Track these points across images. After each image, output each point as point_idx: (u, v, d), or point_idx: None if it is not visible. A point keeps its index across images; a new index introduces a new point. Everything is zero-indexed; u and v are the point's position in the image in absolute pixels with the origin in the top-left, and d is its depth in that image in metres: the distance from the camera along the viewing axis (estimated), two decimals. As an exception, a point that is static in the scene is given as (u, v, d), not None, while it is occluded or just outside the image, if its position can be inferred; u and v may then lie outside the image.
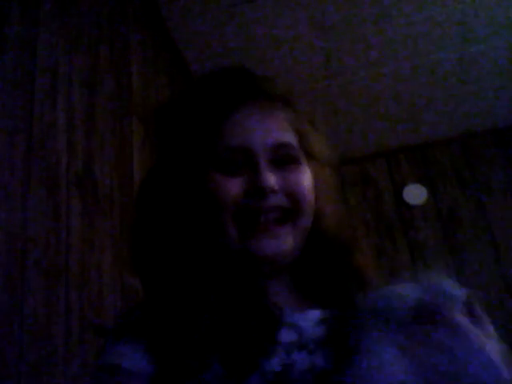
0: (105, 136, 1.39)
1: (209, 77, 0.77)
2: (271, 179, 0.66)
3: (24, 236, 0.98)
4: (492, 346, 0.52)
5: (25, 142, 1.04)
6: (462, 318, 0.54)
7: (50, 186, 1.09)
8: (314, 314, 0.64)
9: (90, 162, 1.28)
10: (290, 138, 0.71)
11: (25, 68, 1.09)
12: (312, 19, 2.27)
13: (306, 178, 0.70)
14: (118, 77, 1.56)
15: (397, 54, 2.53)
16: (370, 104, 2.87)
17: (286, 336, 0.60)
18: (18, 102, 1.04)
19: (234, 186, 0.66)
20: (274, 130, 0.70)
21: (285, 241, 0.66)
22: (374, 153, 3.27)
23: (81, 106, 1.29)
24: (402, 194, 3.12)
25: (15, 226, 0.96)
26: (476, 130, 3.16)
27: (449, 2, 2.25)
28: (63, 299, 1.06)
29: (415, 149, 3.24)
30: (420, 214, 3.08)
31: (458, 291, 0.57)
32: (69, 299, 1.07)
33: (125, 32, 1.70)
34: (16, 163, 1.00)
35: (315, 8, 2.21)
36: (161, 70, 2.01)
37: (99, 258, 1.24)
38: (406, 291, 0.58)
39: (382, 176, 3.24)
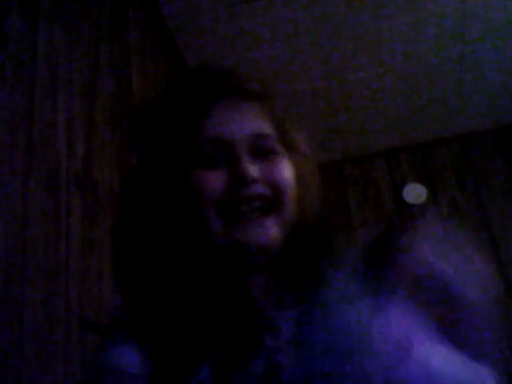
0: (105, 136, 1.39)
1: (185, 77, 0.78)
2: (252, 169, 0.67)
3: (24, 236, 0.98)
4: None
5: (25, 141, 1.04)
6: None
7: (50, 186, 1.09)
8: (292, 314, 0.65)
9: (89, 162, 1.28)
10: (268, 129, 0.72)
11: (25, 68, 1.09)
12: (312, 19, 2.27)
13: (286, 168, 0.71)
14: (118, 77, 1.56)
15: (396, 54, 2.53)
16: (370, 103, 2.87)
17: (270, 337, 0.61)
18: (17, 102, 1.04)
19: (215, 179, 0.67)
20: (251, 122, 0.71)
21: (270, 230, 0.67)
22: (374, 152, 3.27)
23: (81, 105, 1.29)
24: (402, 194, 3.12)
25: (15, 226, 0.96)
26: (476, 129, 3.16)
27: (449, 1, 2.26)
28: (63, 299, 1.06)
29: (415, 148, 3.24)
30: (420, 214, 3.08)
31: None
32: (69, 299, 1.08)
33: (125, 32, 1.70)
34: (16, 163, 1.00)
35: (315, 7, 2.21)
36: (161, 70, 2.01)
37: (99, 257, 1.24)
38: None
39: (382, 176, 3.24)
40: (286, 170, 0.71)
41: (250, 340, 0.59)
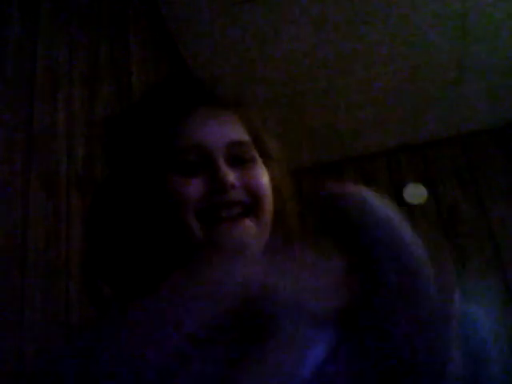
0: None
1: (158, 86, 0.79)
2: (230, 175, 0.68)
3: (24, 236, 0.98)
4: None
5: (25, 142, 1.04)
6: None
7: (50, 186, 1.10)
8: None
9: (90, 163, 1.28)
10: (244, 137, 0.73)
11: (25, 68, 1.09)
12: (312, 19, 2.27)
13: (262, 174, 0.72)
14: (117, 77, 1.56)
15: (396, 54, 2.53)
16: (370, 103, 2.87)
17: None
18: (18, 102, 1.05)
19: (193, 186, 0.67)
20: (227, 129, 0.72)
21: (248, 232, 0.68)
22: (374, 153, 3.27)
23: (81, 106, 1.29)
24: (403, 194, 3.13)
25: (15, 226, 0.96)
26: (476, 129, 3.17)
27: (449, 1, 2.26)
28: (63, 299, 1.06)
29: (415, 148, 3.24)
30: (420, 214, 3.09)
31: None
32: (69, 299, 1.08)
33: (125, 32, 1.70)
34: (16, 163, 1.00)
35: (315, 7, 2.21)
36: (161, 70, 2.01)
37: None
38: None
39: (382, 176, 3.24)
40: (263, 176, 0.72)
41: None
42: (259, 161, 0.73)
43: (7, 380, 0.86)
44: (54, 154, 1.14)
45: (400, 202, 3.12)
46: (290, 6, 2.19)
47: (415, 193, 3.12)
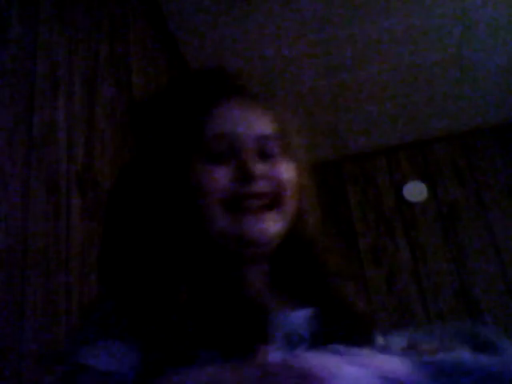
0: (105, 135, 1.40)
1: (191, 75, 0.80)
2: (258, 167, 0.69)
3: (24, 235, 0.98)
4: None
5: (25, 141, 1.04)
6: None
7: (51, 186, 1.10)
8: (303, 313, 0.68)
9: (90, 162, 1.28)
10: (272, 130, 0.74)
11: (25, 68, 1.09)
12: (311, 17, 2.27)
13: (288, 169, 0.73)
14: (117, 76, 1.57)
15: (396, 52, 2.53)
16: (370, 102, 2.87)
17: (277, 333, 0.62)
18: (18, 102, 1.05)
19: (221, 174, 0.68)
20: (258, 122, 0.73)
21: (270, 224, 0.69)
22: (374, 151, 3.27)
23: (81, 105, 1.29)
24: (403, 192, 3.13)
25: (15, 226, 0.97)
26: (476, 127, 3.17)
27: (448, 2, 2.26)
28: (63, 298, 1.06)
29: (415, 146, 3.24)
30: (420, 212, 3.09)
31: None
32: (69, 299, 1.08)
33: (125, 32, 1.70)
34: (16, 163, 1.00)
35: (315, 7, 2.21)
36: (161, 70, 2.01)
37: (99, 256, 1.24)
38: None
39: (382, 174, 3.25)
40: (289, 171, 0.73)
41: (255, 334, 0.60)
42: (286, 156, 0.74)
43: (8, 380, 0.86)
44: (54, 154, 1.14)
45: (400, 200, 3.13)
46: (290, 5, 2.19)
47: (415, 191, 3.12)
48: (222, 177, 0.68)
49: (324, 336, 0.65)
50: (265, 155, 0.71)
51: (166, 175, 0.70)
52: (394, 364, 0.46)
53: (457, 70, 2.69)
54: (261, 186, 0.69)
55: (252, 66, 2.47)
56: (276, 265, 0.75)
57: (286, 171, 0.72)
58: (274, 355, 0.56)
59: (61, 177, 1.14)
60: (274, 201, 0.70)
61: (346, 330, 0.67)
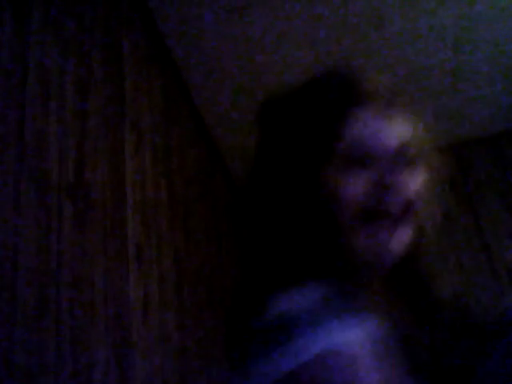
0: (97, 143, 1.39)
1: (325, 78, 0.76)
2: (395, 179, 0.67)
3: (15, 243, 0.97)
4: None
5: (16, 148, 1.03)
6: None
7: (42, 193, 1.09)
8: None
9: (82, 169, 1.28)
10: (409, 138, 0.72)
11: (16, 74, 1.09)
12: (311, 20, 2.28)
13: (421, 180, 0.71)
14: (110, 83, 1.56)
15: (389, 61, 2.54)
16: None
17: None
18: (9, 109, 1.04)
19: (357, 184, 0.66)
20: (395, 130, 0.71)
21: (404, 241, 0.68)
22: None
23: (73, 112, 1.29)
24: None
25: (7, 233, 0.96)
26: (469, 135, 3.18)
27: (443, 9, 2.27)
28: (54, 306, 1.05)
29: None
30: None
31: None
32: (60, 307, 1.07)
33: (118, 38, 1.70)
34: (7, 170, 0.99)
35: (313, 10, 2.22)
36: (153, 77, 2.01)
37: (91, 264, 1.23)
38: None
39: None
40: (422, 183, 0.71)
41: None
42: (419, 164, 0.72)
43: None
44: (46, 161, 1.13)
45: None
46: (287, 10, 2.19)
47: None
48: (357, 186, 0.66)
49: None
50: (403, 164, 0.69)
51: (293, 182, 0.69)
52: None
53: (451, 80, 2.70)
54: (396, 199, 0.67)
55: (247, 71, 2.47)
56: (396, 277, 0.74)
57: (420, 182, 0.71)
58: None
59: (52, 184, 1.14)
60: (405, 214, 0.68)
61: None
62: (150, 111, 1.86)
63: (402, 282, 0.74)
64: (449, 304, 0.73)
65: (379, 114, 0.71)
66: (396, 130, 0.71)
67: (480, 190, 3.09)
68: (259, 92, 2.58)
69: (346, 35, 2.35)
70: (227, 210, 2.91)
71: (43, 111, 1.16)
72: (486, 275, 2.88)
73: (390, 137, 0.70)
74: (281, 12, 2.19)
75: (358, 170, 0.67)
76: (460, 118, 3.02)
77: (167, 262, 1.76)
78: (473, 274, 2.89)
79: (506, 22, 2.37)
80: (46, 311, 1.02)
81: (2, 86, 1.04)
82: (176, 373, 1.64)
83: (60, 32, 1.30)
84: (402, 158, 0.70)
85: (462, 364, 0.61)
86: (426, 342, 0.66)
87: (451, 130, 3.11)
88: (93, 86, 1.43)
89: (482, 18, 2.33)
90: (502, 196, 3.06)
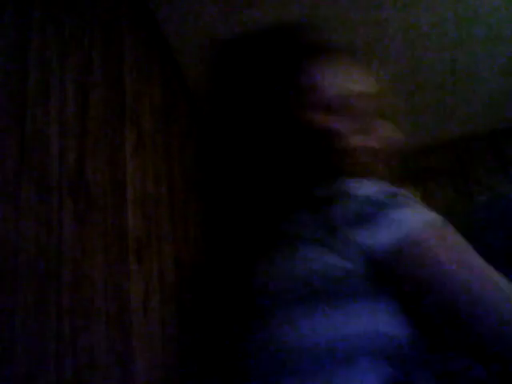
0: (98, 141, 1.39)
1: (290, 26, 0.78)
2: (380, 122, 0.72)
3: (15, 240, 0.97)
4: None
5: (16, 146, 1.04)
6: None
7: (42, 191, 1.09)
8: None
9: (82, 167, 1.28)
10: (377, 90, 0.76)
11: (17, 73, 1.09)
12: (310, 21, 2.27)
13: (393, 129, 0.77)
14: (110, 81, 1.56)
15: (390, 59, 2.54)
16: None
17: None
18: (9, 107, 1.04)
19: (342, 124, 0.69)
20: (367, 79, 0.75)
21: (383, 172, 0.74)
22: (368, 156, 3.27)
23: (73, 110, 1.29)
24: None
25: (7, 231, 0.96)
26: (470, 132, 3.18)
27: (444, 5, 2.27)
28: (54, 304, 1.06)
29: (409, 152, 3.25)
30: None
31: None
32: (60, 304, 1.07)
33: (118, 37, 1.70)
34: (7, 168, 1.00)
35: (312, 11, 2.22)
36: (154, 75, 2.01)
37: (91, 263, 1.24)
38: None
39: (375, 179, 3.25)
40: (393, 131, 0.76)
41: None
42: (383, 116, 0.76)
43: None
44: (47, 159, 1.13)
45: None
46: (287, 10, 2.19)
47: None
48: (343, 125, 0.69)
49: None
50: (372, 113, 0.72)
51: (265, 116, 0.71)
52: None
53: (451, 77, 2.70)
54: (375, 141, 0.71)
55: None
56: None
57: (393, 131, 0.74)
58: None
59: (53, 181, 1.14)
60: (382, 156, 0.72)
61: None
62: (150, 111, 1.87)
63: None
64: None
65: (354, 63, 0.74)
66: (368, 80, 0.74)
67: (481, 186, 3.08)
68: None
69: (344, 33, 2.35)
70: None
71: (43, 109, 1.16)
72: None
73: (367, 86, 0.73)
74: (281, 12, 2.19)
75: (338, 112, 0.69)
76: (461, 114, 3.02)
77: (168, 260, 1.77)
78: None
79: (505, 19, 2.37)
80: (46, 311, 1.03)
81: (2, 86, 1.04)
82: (177, 370, 1.65)
83: (60, 30, 1.30)
84: (373, 106, 0.72)
85: None
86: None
87: (451, 125, 3.11)
88: (93, 84, 1.43)
89: (481, 15, 2.32)
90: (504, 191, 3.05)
